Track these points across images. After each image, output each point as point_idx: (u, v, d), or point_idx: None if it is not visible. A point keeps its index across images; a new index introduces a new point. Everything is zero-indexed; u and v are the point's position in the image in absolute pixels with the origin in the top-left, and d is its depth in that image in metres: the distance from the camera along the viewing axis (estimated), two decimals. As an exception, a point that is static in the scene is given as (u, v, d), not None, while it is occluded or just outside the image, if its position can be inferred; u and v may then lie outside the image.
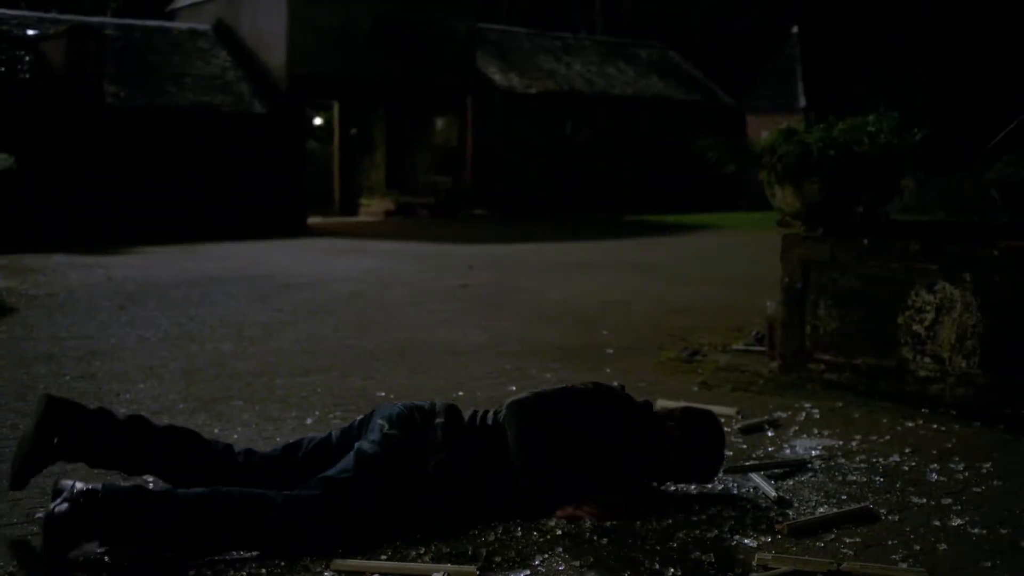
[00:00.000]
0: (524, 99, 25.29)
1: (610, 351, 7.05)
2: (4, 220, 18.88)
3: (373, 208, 27.91)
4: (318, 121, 29.98)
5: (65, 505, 3.13)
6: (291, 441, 3.82)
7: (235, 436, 4.70)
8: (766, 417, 5.01)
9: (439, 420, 3.62)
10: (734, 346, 7.05)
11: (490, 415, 3.70)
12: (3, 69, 19.69)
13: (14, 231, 18.53)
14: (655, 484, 3.83)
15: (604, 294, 10.50)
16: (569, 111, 25.85)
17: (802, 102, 26.18)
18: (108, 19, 25.02)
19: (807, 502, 3.74)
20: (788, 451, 4.45)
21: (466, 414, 3.72)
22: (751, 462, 4.21)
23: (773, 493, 3.72)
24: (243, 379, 6.13)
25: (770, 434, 4.74)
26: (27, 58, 20.35)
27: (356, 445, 3.52)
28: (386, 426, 3.56)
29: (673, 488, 3.89)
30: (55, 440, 3.57)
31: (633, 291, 10.72)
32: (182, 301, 10.06)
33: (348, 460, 3.46)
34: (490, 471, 3.57)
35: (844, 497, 3.79)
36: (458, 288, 11.16)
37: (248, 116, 22.58)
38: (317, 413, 5.21)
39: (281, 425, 4.95)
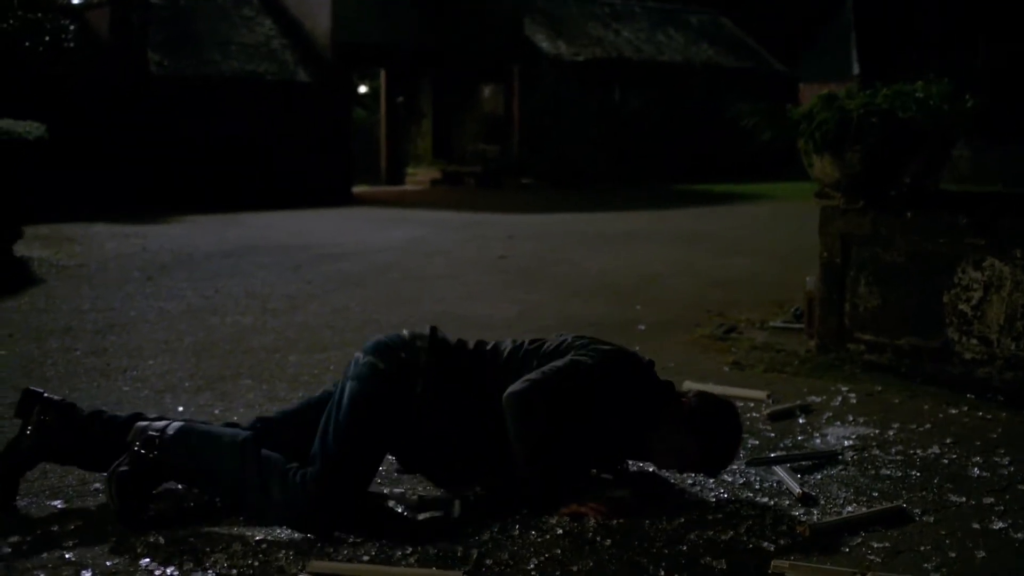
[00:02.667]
0: (572, 67, 24.86)
1: (642, 327, 6.76)
2: (48, 189, 18.83)
3: (419, 177, 27.68)
4: (363, 89, 29.74)
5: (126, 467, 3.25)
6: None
7: (235, 417, 4.47)
8: (798, 402, 4.69)
9: (420, 343, 3.42)
10: (772, 323, 6.73)
11: (490, 346, 3.53)
12: (48, 38, 19.57)
13: (58, 200, 18.48)
14: (662, 472, 3.55)
15: (645, 266, 10.18)
16: (618, 79, 25.39)
17: (856, 69, 25.54)
18: (153, -13, 24.87)
19: (835, 499, 3.44)
20: (819, 440, 4.14)
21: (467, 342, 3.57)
22: (777, 453, 3.91)
23: (798, 489, 3.43)
24: (257, 355, 5.92)
25: (801, 421, 4.43)
26: (72, 27, 20.23)
27: (341, 386, 3.37)
28: (362, 356, 3.39)
29: (691, 481, 3.60)
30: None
31: (675, 263, 10.39)
32: (213, 272, 9.89)
33: (336, 412, 3.29)
34: (487, 401, 3.33)
35: (876, 494, 3.49)
36: (497, 260, 10.89)
37: (293, 84, 22.37)
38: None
39: (285, 406, 4.71)
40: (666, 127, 25.68)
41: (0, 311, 7.59)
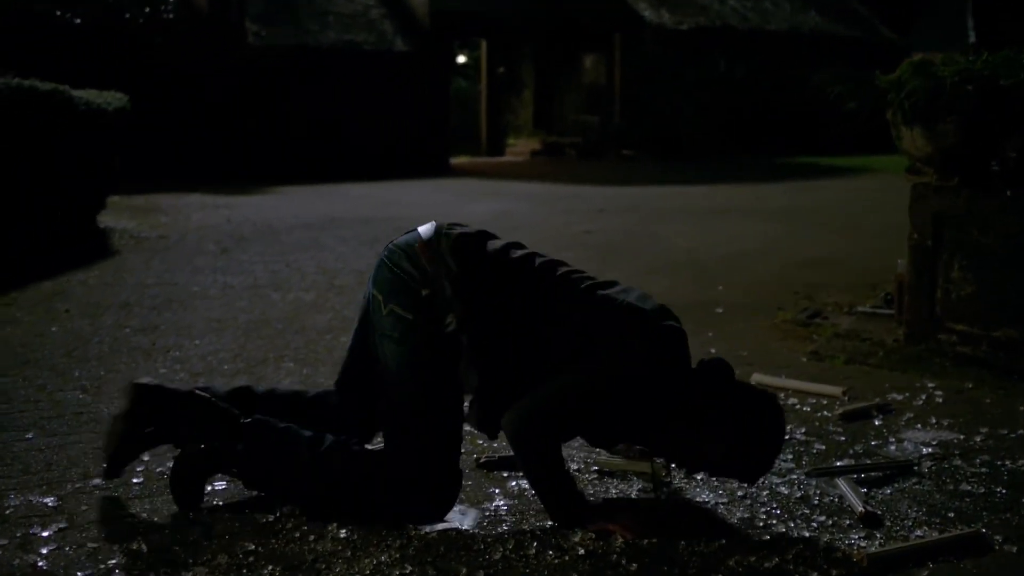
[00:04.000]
0: (675, 35, 24.16)
1: (720, 310, 6.33)
2: (146, 160, 18.98)
3: (519, 148, 27.32)
4: (462, 59, 29.45)
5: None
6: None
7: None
8: (876, 400, 4.24)
9: (443, 264, 3.00)
10: (860, 308, 6.23)
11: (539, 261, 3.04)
12: (148, 9, 19.68)
13: (156, 171, 18.62)
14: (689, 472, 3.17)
15: (735, 242, 9.70)
16: (722, 48, 24.59)
17: (972, 38, 24.40)
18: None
19: (903, 520, 3.01)
20: (893, 447, 3.70)
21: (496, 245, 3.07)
22: (844, 461, 3.49)
23: (860, 507, 3.01)
24: (308, 336, 5.65)
25: (877, 422, 3.99)
26: (171, -2, 20.31)
27: (381, 346, 3.02)
28: (384, 304, 3.01)
29: (741, 492, 3.21)
30: (147, 430, 3.23)
31: (768, 239, 9.88)
32: (290, 245, 9.70)
33: (392, 389, 3.01)
34: (538, 326, 2.92)
35: (951, 515, 3.05)
36: (582, 234, 10.51)
37: (390, 54, 22.17)
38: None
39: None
40: (771, 98, 24.83)
41: (67, 284, 7.48)
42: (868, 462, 3.47)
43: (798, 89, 24.70)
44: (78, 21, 18.88)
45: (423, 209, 12.89)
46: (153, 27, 19.73)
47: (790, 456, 3.55)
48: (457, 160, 24.27)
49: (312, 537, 2.87)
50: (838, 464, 3.44)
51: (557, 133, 26.77)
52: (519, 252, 3.04)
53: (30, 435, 3.86)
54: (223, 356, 5.16)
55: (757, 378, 4.51)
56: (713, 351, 5.09)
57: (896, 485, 3.29)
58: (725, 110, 24.61)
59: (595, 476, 3.37)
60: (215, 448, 3.08)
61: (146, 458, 3.54)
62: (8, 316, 6.29)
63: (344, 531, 2.89)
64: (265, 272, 8.04)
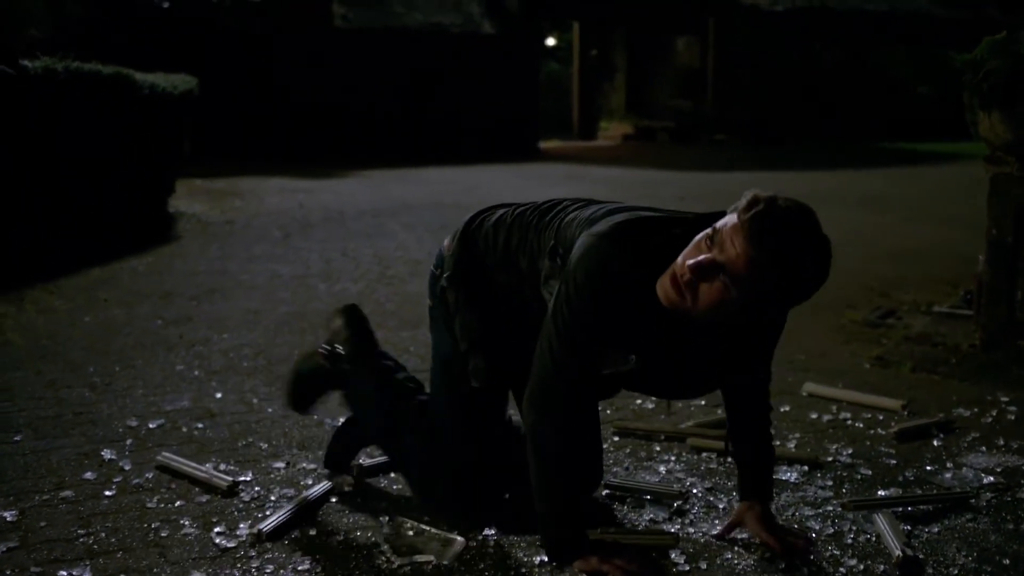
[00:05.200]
0: (770, 17, 23.48)
1: (784, 308, 5.88)
2: (233, 143, 19.03)
3: (611, 132, 26.88)
4: (551, 42, 29.04)
5: None
6: None
7: (269, 410, 3.93)
8: (939, 416, 3.81)
9: (445, 274, 2.81)
10: (937, 307, 5.76)
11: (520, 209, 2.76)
12: (234, -8, 19.68)
13: (244, 154, 18.65)
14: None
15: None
16: (818, 30, 23.83)
17: (1088, 15, 23.27)
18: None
19: (947, 567, 2.59)
20: (950, 474, 3.27)
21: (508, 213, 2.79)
22: (890, 491, 3.08)
23: (897, 550, 2.60)
24: (340, 331, 5.37)
25: (936, 443, 3.56)
26: (260, -19, 20.29)
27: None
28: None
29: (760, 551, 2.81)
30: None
31: (850, 230, 9.36)
32: (353, 231, 9.47)
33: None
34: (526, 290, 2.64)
35: (1006, 561, 2.63)
36: (657, 223, 10.09)
37: (478, 36, 21.91)
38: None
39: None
40: (869, 80, 24.00)
41: (117, 271, 7.33)
42: (918, 493, 3.06)
43: (898, 72, 23.84)
44: (166, 5, 18.93)
45: (502, 194, 12.57)
46: (241, 11, 19.72)
47: (829, 483, 3.15)
48: (547, 144, 23.95)
49: (271, 568, 2.58)
50: (881, 495, 3.03)
51: (649, 117, 26.28)
52: (502, 211, 2.81)
53: (18, 437, 3.63)
54: (246, 352, 4.91)
55: (809, 388, 4.11)
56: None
57: (946, 522, 2.87)
58: (821, 94, 23.87)
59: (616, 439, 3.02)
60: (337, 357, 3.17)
61: (127, 468, 3.30)
62: (46, 304, 6.13)
63: (307, 563, 2.59)
64: (319, 260, 7.80)
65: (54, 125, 7.70)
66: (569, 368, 2.40)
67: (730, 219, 2.17)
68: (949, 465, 3.33)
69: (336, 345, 3.20)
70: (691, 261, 2.18)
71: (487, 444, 2.84)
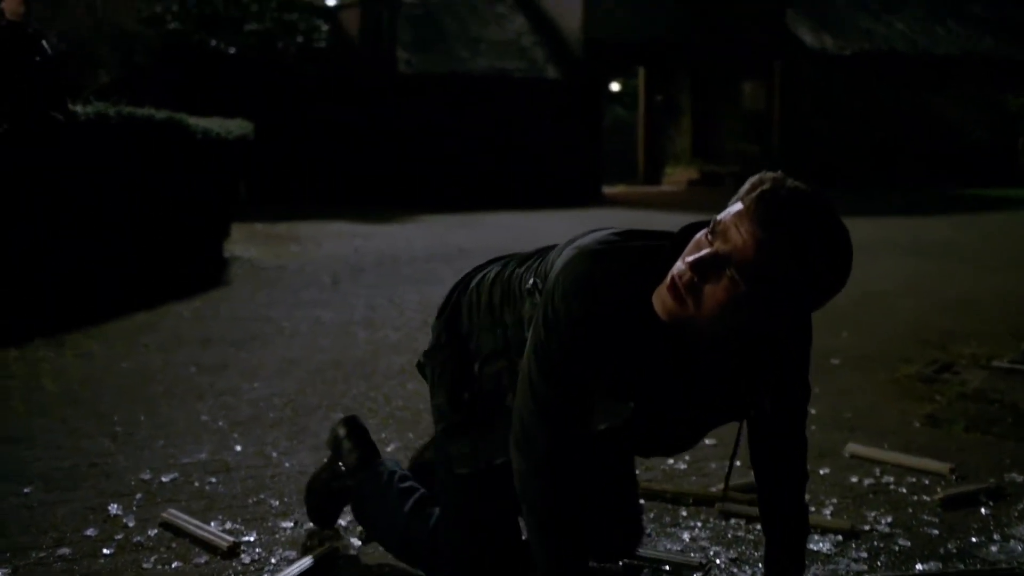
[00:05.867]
0: (836, 61, 23.21)
1: (836, 361, 5.66)
2: (296, 187, 19.17)
3: (676, 177, 26.70)
4: (616, 87, 28.98)
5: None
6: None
7: (286, 464, 3.81)
8: (990, 482, 3.57)
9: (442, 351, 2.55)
10: (997, 362, 5.50)
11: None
12: (300, 39, 19.89)
13: (307, 198, 18.78)
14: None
15: (877, 281, 8.95)
16: (888, 74, 23.48)
17: None
18: (408, -14, 24.98)
19: (986, 652, 2.40)
20: (997, 547, 3.04)
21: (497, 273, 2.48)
22: (926, 565, 2.86)
23: (930, 633, 2.40)
24: (373, 381, 5.26)
25: (985, 511, 3.33)
26: (324, 27, 20.50)
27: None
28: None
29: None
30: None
31: (909, 278, 9.10)
32: (403, 277, 9.41)
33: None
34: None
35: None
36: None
37: (542, 82, 21.93)
38: (410, 435, 4.24)
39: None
40: (940, 125, 23.57)
41: (162, 316, 7.32)
42: (960, 567, 2.85)
43: (969, 116, 23.41)
44: (232, 51, 19.17)
45: (560, 240, 12.46)
46: (305, 56, 19.93)
47: (864, 555, 2.95)
48: (612, 189, 23.86)
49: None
50: (920, 569, 2.82)
51: (715, 162, 26.09)
52: (495, 266, 2.52)
53: (28, 489, 3.55)
54: (275, 402, 4.80)
55: (851, 448, 3.90)
56: (813, 411, 4.47)
57: (987, 602, 2.66)
58: (889, 138, 23.50)
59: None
60: (340, 475, 3.04)
61: (130, 524, 3.20)
62: (85, 349, 6.11)
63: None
64: (364, 307, 7.73)
65: (107, 169, 7.72)
66: (553, 407, 2.07)
67: (733, 207, 1.87)
68: (996, 536, 3.11)
69: (339, 463, 3.05)
70: (692, 258, 1.87)
71: (499, 540, 2.50)
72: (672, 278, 1.89)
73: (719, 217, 1.87)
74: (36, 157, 6.75)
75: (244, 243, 12.04)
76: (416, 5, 22.43)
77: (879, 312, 7.39)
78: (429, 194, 19.90)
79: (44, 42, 7.08)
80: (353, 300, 8.07)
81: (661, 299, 1.92)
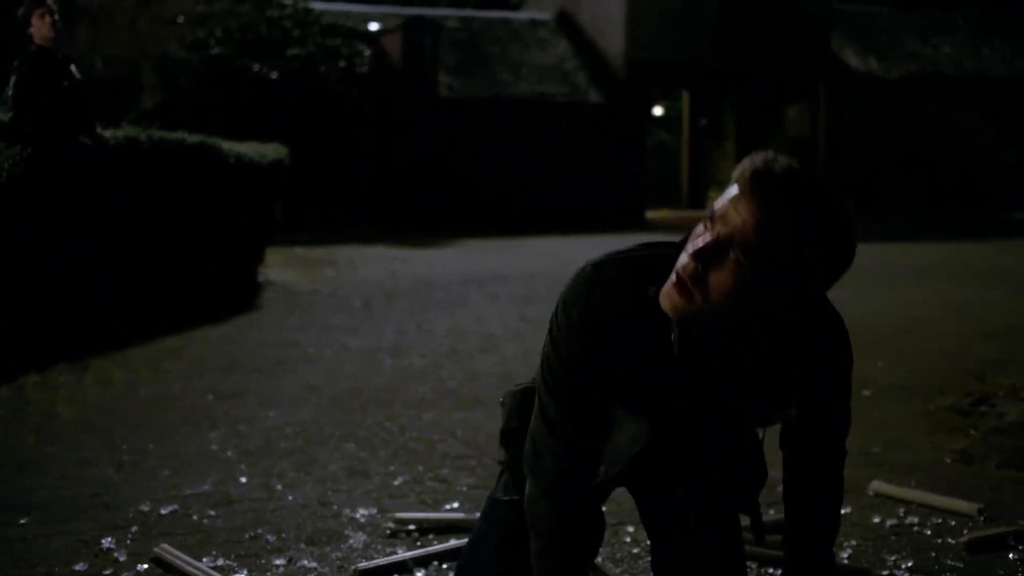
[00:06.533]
0: (883, 84, 22.92)
1: (867, 392, 5.49)
2: (338, 210, 19.21)
3: (720, 201, 26.46)
4: (658, 111, 28.81)
5: None
6: None
7: (289, 497, 3.71)
8: (1020, 524, 3.39)
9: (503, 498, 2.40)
10: (1037, 395, 5.30)
11: None
12: (342, 64, 19.96)
13: (348, 221, 18.81)
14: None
15: (917, 308, 8.75)
16: (934, 97, 23.16)
17: None
18: (450, 11, 25.03)
19: None
20: (1023, 593, 2.89)
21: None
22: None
23: None
24: (391, 410, 5.15)
25: (1013, 556, 3.15)
26: (366, 52, 20.56)
27: None
28: None
29: None
30: None
31: (951, 305, 8.88)
32: (436, 302, 9.33)
33: None
34: None
35: None
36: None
37: (584, 106, 21.85)
38: (420, 468, 4.12)
39: (342, 494, 3.89)
40: (989, 148, 23.19)
41: (188, 340, 7.29)
42: (980, 616, 2.69)
43: (1017, 139, 23.04)
44: (274, 76, 19.27)
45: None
46: (347, 80, 19.99)
47: (880, 602, 2.80)
48: (655, 214, 23.72)
49: None
50: (938, 618, 2.67)
51: (759, 186, 25.80)
52: None
53: (24, 520, 3.48)
54: (288, 431, 4.71)
55: (876, 486, 3.74)
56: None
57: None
58: (938, 161, 23.18)
59: None
60: None
61: (121, 559, 3.11)
62: (107, 375, 6.07)
63: None
64: (393, 333, 7.64)
65: (137, 193, 7.70)
66: (559, 422, 2.02)
67: (728, 192, 1.82)
68: (1023, 582, 2.95)
69: None
70: (695, 248, 1.81)
71: None
72: (677, 273, 1.83)
73: (715, 206, 1.82)
74: (63, 181, 6.73)
75: (281, 267, 12.04)
76: (458, 30, 22.45)
77: (918, 340, 7.19)
78: (469, 218, 19.87)
79: (72, 66, 7.07)
80: (383, 325, 7.99)
81: (668, 298, 1.86)
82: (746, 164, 1.82)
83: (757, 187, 1.77)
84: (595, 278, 1.96)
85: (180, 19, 18.54)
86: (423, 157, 20.43)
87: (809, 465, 2.15)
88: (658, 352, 1.94)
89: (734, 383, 1.99)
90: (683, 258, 1.83)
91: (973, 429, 4.71)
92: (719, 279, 1.80)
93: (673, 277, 1.84)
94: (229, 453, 4.34)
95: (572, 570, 2.11)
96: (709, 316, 1.84)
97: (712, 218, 1.81)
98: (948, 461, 4.23)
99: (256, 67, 18.99)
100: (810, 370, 2.03)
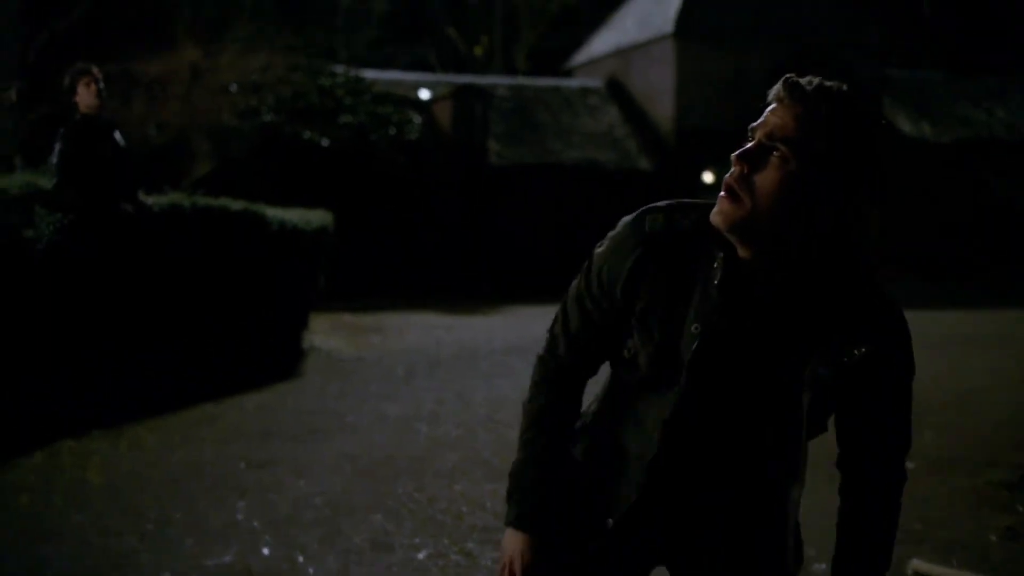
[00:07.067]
0: (936, 149, 22.67)
1: (911, 464, 5.30)
2: (389, 277, 19.27)
3: (773, 268, 26.25)
4: (708, 178, 28.72)
5: None
6: None
7: (311, 570, 3.64)
8: (1065, 607, 3.25)
9: None
10: (1090, 470, 5.12)
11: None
12: (394, 131, 20.12)
13: (398, 287, 18.85)
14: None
15: (970, 377, 8.53)
16: (989, 162, 22.88)
17: None
18: (500, 79, 25.19)
19: None
20: None
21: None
22: None
23: None
24: (420, 480, 5.07)
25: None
26: (417, 120, 20.72)
27: None
28: None
29: None
30: None
31: (1006, 375, 8.65)
32: (477, 370, 9.26)
33: None
34: None
35: None
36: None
37: (634, 173, 21.81)
38: (445, 541, 4.03)
39: (364, 568, 3.81)
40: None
41: (227, 408, 7.26)
42: None
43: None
44: (325, 143, 19.47)
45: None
46: (397, 148, 20.16)
47: None
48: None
49: None
50: None
51: (813, 252, 25.58)
52: None
53: (41, 592, 3.43)
54: (316, 501, 4.65)
55: (915, 565, 3.60)
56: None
57: None
58: (993, 228, 22.87)
59: None
60: None
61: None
62: (141, 441, 6.05)
63: None
64: (431, 402, 7.56)
65: (179, 259, 7.73)
66: (558, 341, 2.03)
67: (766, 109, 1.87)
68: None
69: None
70: (739, 151, 1.83)
71: None
72: (724, 182, 1.83)
73: (753, 124, 1.85)
74: (103, 248, 6.77)
75: (327, 333, 12.03)
76: (508, 98, 22.58)
77: (968, 411, 7.01)
78: (518, 284, 19.84)
79: (117, 133, 7.15)
80: (422, 394, 7.92)
81: (719, 209, 1.83)
82: (778, 84, 1.85)
83: (792, 90, 1.81)
84: (654, 207, 1.95)
85: (233, 88, 18.81)
86: (472, 223, 20.51)
87: (866, 483, 1.99)
88: (700, 286, 1.88)
89: (770, 328, 1.87)
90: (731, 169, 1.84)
91: (1021, 505, 4.55)
92: (765, 178, 1.81)
93: (722, 190, 1.83)
94: (255, 523, 4.28)
95: (534, 460, 2.06)
96: (759, 226, 1.80)
97: (752, 130, 1.84)
98: (993, 539, 4.08)
99: (307, 134, 19.18)
100: (853, 336, 1.88)
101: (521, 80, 25.01)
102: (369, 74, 21.04)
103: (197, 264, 7.95)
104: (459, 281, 20.05)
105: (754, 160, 1.80)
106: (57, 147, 6.82)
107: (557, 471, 2.08)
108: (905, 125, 23.02)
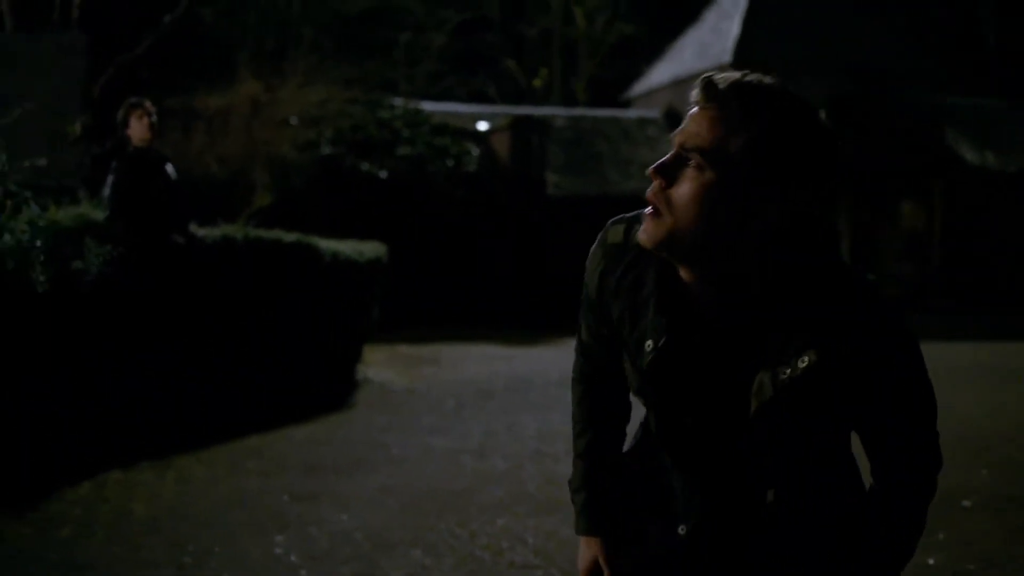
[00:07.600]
0: (999, 178, 22.31)
1: (967, 503, 5.17)
2: (448, 308, 19.30)
3: (834, 299, 25.91)
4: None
5: None
6: None
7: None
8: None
9: None
10: None
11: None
12: (451, 163, 20.20)
13: (457, 319, 18.87)
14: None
15: (1033, 414, 8.33)
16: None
17: None
18: (558, 110, 25.22)
19: None
20: None
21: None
22: None
23: None
24: (464, 514, 5.02)
25: None
26: (474, 151, 20.79)
27: None
28: None
29: None
30: None
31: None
32: (530, 403, 9.20)
33: None
34: None
35: None
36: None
37: (691, 203, 21.73)
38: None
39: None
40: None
41: (276, 439, 7.27)
42: None
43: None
44: (384, 175, 19.59)
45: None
46: (455, 179, 20.24)
47: None
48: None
49: None
50: None
51: (875, 283, 25.22)
52: None
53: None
54: (356, 536, 4.61)
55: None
56: (931, 562, 4.05)
57: None
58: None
59: None
60: None
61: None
62: (187, 473, 6.06)
63: None
64: (480, 433, 7.51)
65: (232, 291, 7.78)
66: (578, 343, 2.11)
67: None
68: None
69: None
70: (654, 166, 1.72)
71: None
72: (647, 198, 1.73)
73: (673, 132, 1.74)
74: (154, 280, 6.82)
75: (381, 365, 12.03)
76: (566, 128, 22.59)
77: (1028, 447, 6.82)
78: (576, 316, 19.77)
79: (169, 165, 7.22)
80: (472, 426, 7.87)
81: (643, 229, 1.75)
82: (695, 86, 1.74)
83: (706, 91, 1.69)
84: (618, 218, 1.91)
85: (293, 121, 19.00)
86: (531, 254, 20.50)
87: (872, 492, 1.86)
88: (647, 304, 1.82)
89: (719, 343, 1.78)
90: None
91: (1080, 546, 4.39)
92: (681, 191, 1.68)
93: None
94: (293, 557, 4.26)
95: (585, 456, 2.07)
96: (685, 242, 1.69)
97: (670, 139, 1.73)
98: (1047, 580, 3.94)
99: (366, 166, 19.31)
100: (828, 327, 1.73)
101: (579, 111, 25.03)
102: (427, 106, 21.17)
103: (249, 296, 7.99)
104: (518, 312, 20.01)
105: (670, 173, 1.70)
106: (110, 179, 6.90)
107: (610, 470, 2.05)
108: (968, 154, 22.69)
